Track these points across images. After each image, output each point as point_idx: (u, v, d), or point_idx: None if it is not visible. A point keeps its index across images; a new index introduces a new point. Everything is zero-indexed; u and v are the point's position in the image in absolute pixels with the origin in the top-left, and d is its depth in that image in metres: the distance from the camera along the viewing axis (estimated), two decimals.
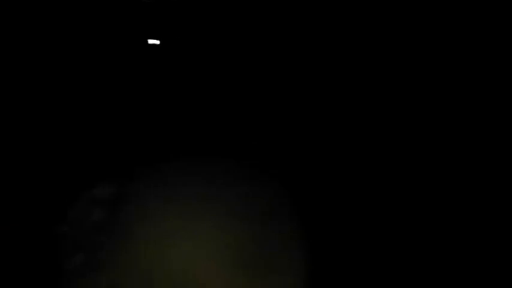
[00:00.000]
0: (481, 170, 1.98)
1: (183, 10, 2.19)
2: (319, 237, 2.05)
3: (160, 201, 2.09)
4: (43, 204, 2.39)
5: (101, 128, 2.43)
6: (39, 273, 2.33)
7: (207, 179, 2.04)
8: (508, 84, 1.98)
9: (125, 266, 2.07)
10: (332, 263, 1.96)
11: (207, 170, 2.07)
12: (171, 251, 2.02)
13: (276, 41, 2.13)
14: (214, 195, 2.02)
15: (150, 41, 2.13)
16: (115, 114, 2.44)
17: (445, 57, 2.05)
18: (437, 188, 2.00)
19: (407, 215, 1.99)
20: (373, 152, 2.03)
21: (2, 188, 2.39)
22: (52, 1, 2.13)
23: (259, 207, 2.03)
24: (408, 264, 1.96)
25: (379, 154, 2.03)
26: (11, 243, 2.37)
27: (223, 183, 2.05)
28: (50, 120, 2.40)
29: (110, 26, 2.27)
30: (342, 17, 2.04)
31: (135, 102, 2.42)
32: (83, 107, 2.40)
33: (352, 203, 2.02)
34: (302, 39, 2.10)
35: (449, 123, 2.02)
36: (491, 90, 2.00)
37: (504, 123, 1.97)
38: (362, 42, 2.06)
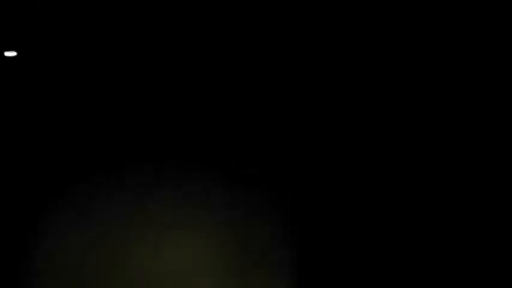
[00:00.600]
0: (481, 170, 1.97)
1: (185, 8, 2.18)
2: (311, 237, 2.05)
3: (151, 203, 2.08)
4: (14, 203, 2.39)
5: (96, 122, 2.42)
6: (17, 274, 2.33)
7: (200, 181, 2.04)
8: (508, 84, 1.98)
9: (112, 270, 2.08)
10: (323, 263, 1.95)
11: (200, 172, 2.06)
12: (161, 253, 2.03)
13: (276, 41, 2.12)
14: (206, 197, 2.03)
15: (7, 53, 2.07)
16: (117, 114, 2.43)
17: (445, 57, 2.04)
18: (437, 189, 2.00)
19: (402, 216, 1.98)
20: (372, 153, 2.02)
21: None
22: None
23: (252, 207, 2.03)
24: (402, 264, 1.95)
25: (377, 155, 2.02)
26: None
27: (215, 186, 2.07)
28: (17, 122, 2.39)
29: (107, 27, 2.26)
30: (342, 17, 2.03)
31: (134, 102, 2.41)
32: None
33: (347, 203, 2.01)
34: (302, 39, 2.09)
35: (449, 123, 2.01)
36: (491, 90, 1.99)
37: (504, 123, 1.96)
38: (362, 42, 2.06)
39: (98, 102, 2.49)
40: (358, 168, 2.01)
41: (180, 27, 2.23)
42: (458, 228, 1.94)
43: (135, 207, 2.48)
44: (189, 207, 2.44)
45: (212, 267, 2.33)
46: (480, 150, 1.97)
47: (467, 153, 1.98)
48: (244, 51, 2.20)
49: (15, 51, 2.27)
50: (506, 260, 1.90)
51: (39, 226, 2.51)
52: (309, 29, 2.10)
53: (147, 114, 2.48)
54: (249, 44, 2.18)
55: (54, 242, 2.46)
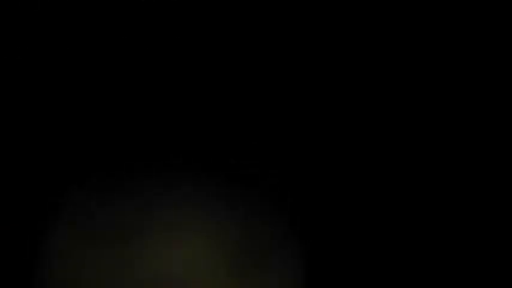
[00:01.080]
0: (482, 171, 1.98)
1: (184, 7, 2.19)
2: (311, 237, 2.05)
3: (151, 202, 2.09)
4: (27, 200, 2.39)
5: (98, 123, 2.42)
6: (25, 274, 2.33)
7: (200, 181, 2.05)
8: (508, 84, 1.98)
9: (114, 267, 2.08)
10: (324, 263, 1.96)
11: (200, 172, 2.08)
12: (160, 253, 2.03)
13: (276, 41, 2.13)
14: (205, 197, 2.04)
15: None
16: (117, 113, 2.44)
17: (445, 57, 2.05)
18: (438, 191, 2.00)
19: (405, 216, 1.99)
20: (372, 154, 2.03)
21: None
22: None
23: (252, 207, 2.04)
24: (405, 265, 1.96)
25: (378, 156, 2.03)
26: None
27: (215, 186, 2.08)
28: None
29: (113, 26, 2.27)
30: (342, 17, 2.03)
31: (133, 102, 2.42)
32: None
33: (348, 203, 2.02)
34: (302, 39, 2.10)
35: (450, 123, 2.02)
36: (491, 90, 2.00)
37: (504, 123, 1.97)
38: (362, 42, 2.06)
39: (97, 103, 2.50)
40: (359, 168, 2.01)
41: (180, 27, 2.24)
42: (462, 227, 1.95)
43: (134, 208, 2.48)
44: (189, 207, 2.45)
45: (212, 267, 2.33)
46: (480, 150, 1.98)
47: (468, 153, 1.99)
48: (244, 51, 2.21)
49: (14, 50, 2.28)
50: (506, 260, 1.91)
51: (38, 226, 2.52)
52: (308, 29, 2.11)
53: (147, 115, 2.49)
54: (248, 44, 2.18)
55: (53, 242, 2.46)
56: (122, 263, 2.21)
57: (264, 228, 2.13)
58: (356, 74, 2.06)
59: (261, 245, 2.11)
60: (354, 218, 1.98)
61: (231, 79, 2.20)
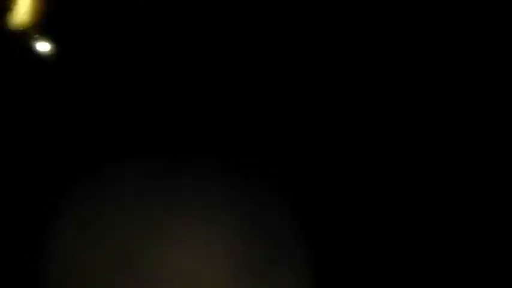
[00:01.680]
0: (481, 171, 1.98)
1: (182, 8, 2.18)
2: (321, 236, 2.05)
3: (150, 203, 2.09)
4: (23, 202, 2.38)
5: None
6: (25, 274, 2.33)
7: (208, 179, 2.06)
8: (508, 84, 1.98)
9: (114, 267, 2.07)
10: (325, 263, 1.96)
11: (207, 170, 2.08)
12: (173, 251, 2.03)
13: (276, 41, 2.13)
14: (216, 196, 2.03)
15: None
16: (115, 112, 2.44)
17: (445, 57, 2.05)
18: (438, 190, 2.00)
19: (408, 215, 1.99)
20: (374, 153, 2.02)
21: None
22: None
23: (261, 206, 2.03)
24: (409, 264, 1.96)
25: (379, 155, 2.02)
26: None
27: (224, 184, 2.07)
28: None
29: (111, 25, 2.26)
30: (342, 17, 2.03)
31: (133, 101, 2.42)
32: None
33: (353, 201, 2.02)
34: (302, 39, 2.10)
35: (449, 123, 2.02)
36: (491, 90, 2.00)
37: (504, 123, 1.97)
38: (362, 42, 2.06)
39: (97, 104, 2.50)
40: (359, 168, 2.01)
41: (180, 27, 2.24)
42: (463, 227, 1.95)
43: (135, 208, 2.47)
44: (189, 207, 2.44)
45: (212, 268, 2.33)
46: (480, 150, 1.98)
47: (468, 153, 1.99)
48: (244, 51, 2.20)
49: (14, 51, 2.27)
50: (506, 260, 1.91)
51: (38, 226, 2.51)
52: (308, 29, 2.11)
53: (147, 116, 2.48)
54: (248, 44, 2.18)
55: (53, 242, 2.46)
56: (123, 263, 2.21)
57: (264, 229, 2.12)
58: (356, 74, 2.06)
59: (261, 245, 2.10)
60: (355, 218, 1.98)
61: (231, 79, 2.20)
